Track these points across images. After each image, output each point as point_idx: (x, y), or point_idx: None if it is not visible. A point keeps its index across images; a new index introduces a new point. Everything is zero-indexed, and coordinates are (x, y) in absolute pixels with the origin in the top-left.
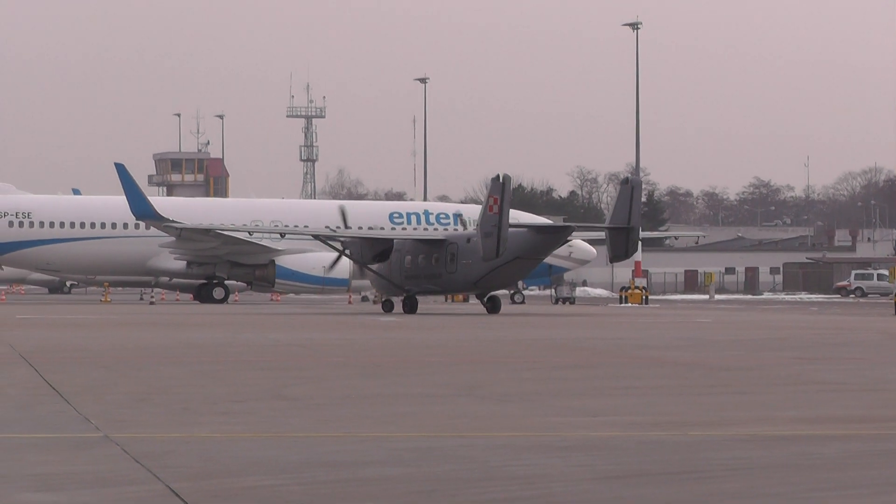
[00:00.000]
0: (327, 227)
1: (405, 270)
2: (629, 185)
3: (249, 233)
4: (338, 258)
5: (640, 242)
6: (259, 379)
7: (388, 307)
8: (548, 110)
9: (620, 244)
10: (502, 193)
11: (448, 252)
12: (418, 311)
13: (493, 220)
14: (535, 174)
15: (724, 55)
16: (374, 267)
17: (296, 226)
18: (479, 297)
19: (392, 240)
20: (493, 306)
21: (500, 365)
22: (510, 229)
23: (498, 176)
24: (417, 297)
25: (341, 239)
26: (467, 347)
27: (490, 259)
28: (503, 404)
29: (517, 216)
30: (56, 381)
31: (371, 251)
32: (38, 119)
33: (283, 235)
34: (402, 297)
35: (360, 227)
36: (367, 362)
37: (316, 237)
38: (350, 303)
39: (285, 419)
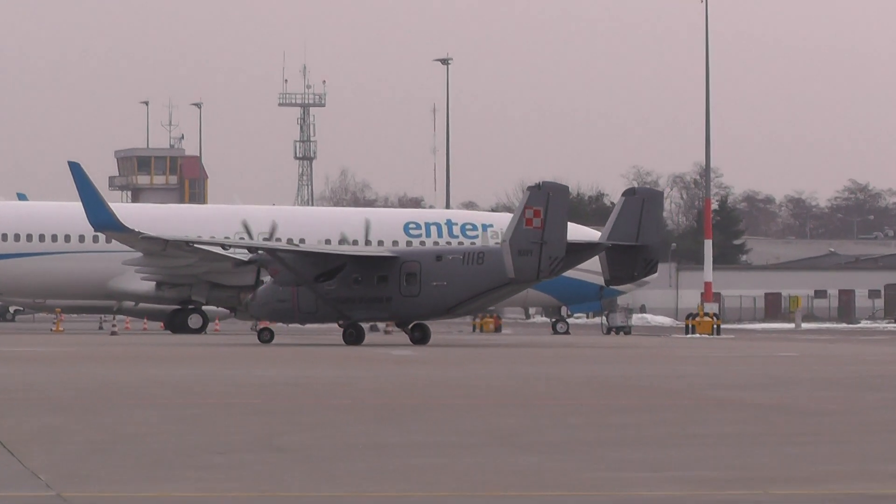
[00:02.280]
0: (327, 240)
1: (332, 293)
2: (637, 198)
3: (224, 247)
4: (256, 278)
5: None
6: (246, 425)
7: (266, 336)
8: (598, 100)
9: (624, 264)
10: (547, 204)
11: (403, 272)
12: (363, 343)
13: (534, 235)
14: (582, 176)
15: (810, 40)
16: (268, 289)
17: (291, 239)
18: (401, 325)
19: (346, 257)
20: (421, 336)
21: (541, 408)
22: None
23: (538, 185)
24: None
25: (280, 253)
26: (500, 386)
27: (528, 281)
28: (545, 456)
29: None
30: None
31: (313, 269)
32: None
33: (226, 248)
34: (345, 327)
35: (369, 241)
36: (377, 404)
37: (254, 250)
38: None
39: (279, 475)
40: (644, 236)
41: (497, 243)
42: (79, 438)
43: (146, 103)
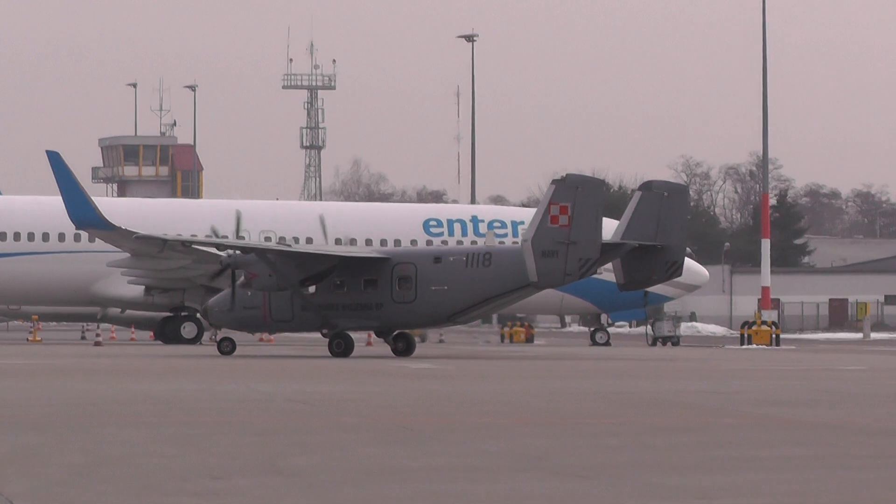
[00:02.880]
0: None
1: (312, 299)
2: (656, 193)
3: (219, 247)
4: (220, 272)
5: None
6: (246, 446)
7: (226, 347)
8: (641, 84)
9: (642, 267)
10: (574, 200)
11: (395, 275)
12: (352, 355)
13: (560, 234)
14: (624, 167)
15: (878, 22)
16: (232, 294)
17: (297, 239)
18: (381, 334)
19: (337, 257)
20: (405, 347)
21: (575, 427)
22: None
23: (563, 177)
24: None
25: (269, 254)
26: (529, 404)
27: (552, 286)
28: (579, 481)
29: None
30: None
31: (300, 271)
32: None
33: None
34: (330, 336)
35: (384, 241)
36: (392, 423)
37: (222, 247)
38: (370, 344)
39: (282, 501)
40: (664, 236)
41: (502, 243)
42: (59, 461)
43: (134, 86)
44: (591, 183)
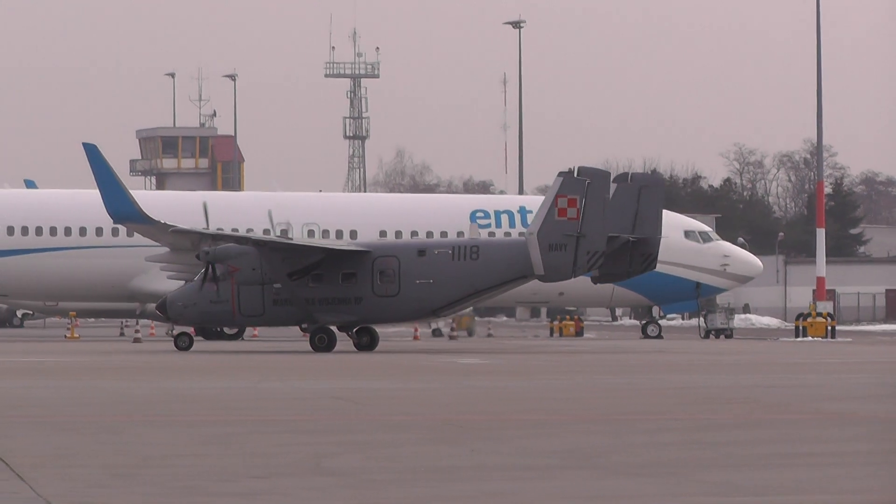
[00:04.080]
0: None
1: (282, 293)
2: (633, 185)
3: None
4: (214, 276)
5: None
6: (290, 445)
7: (184, 343)
8: (693, 71)
9: (618, 259)
10: (584, 193)
11: (375, 269)
12: (335, 350)
13: (568, 227)
14: (676, 156)
15: None
16: (195, 287)
17: (340, 232)
18: (345, 328)
19: (324, 250)
20: (369, 341)
21: (628, 424)
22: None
23: (571, 170)
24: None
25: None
26: (580, 399)
27: (559, 279)
28: (633, 479)
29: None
30: (5, 449)
31: (287, 264)
32: None
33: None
34: (312, 331)
35: (430, 233)
36: (439, 421)
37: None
38: (417, 338)
39: (328, 503)
40: (642, 228)
41: (493, 234)
42: (96, 461)
43: (172, 75)
44: (600, 176)
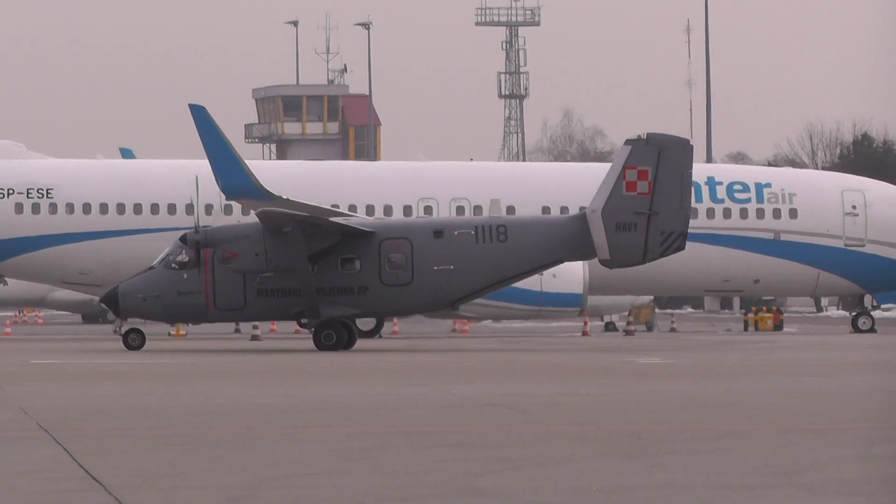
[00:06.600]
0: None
1: (267, 283)
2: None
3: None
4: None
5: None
6: (437, 461)
7: (135, 341)
8: None
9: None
10: (657, 163)
11: (383, 253)
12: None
13: (638, 204)
14: (890, 118)
15: None
16: (156, 277)
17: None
18: (303, 322)
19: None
20: (348, 338)
21: (835, 434)
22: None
23: (640, 137)
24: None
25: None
26: (777, 405)
27: (627, 265)
28: (844, 500)
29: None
30: (98, 466)
31: (308, 243)
32: (62, 37)
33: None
34: (314, 326)
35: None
36: (615, 432)
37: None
38: (586, 333)
39: None
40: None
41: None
42: (208, 482)
43: (294, 24)
44: (677, 144)
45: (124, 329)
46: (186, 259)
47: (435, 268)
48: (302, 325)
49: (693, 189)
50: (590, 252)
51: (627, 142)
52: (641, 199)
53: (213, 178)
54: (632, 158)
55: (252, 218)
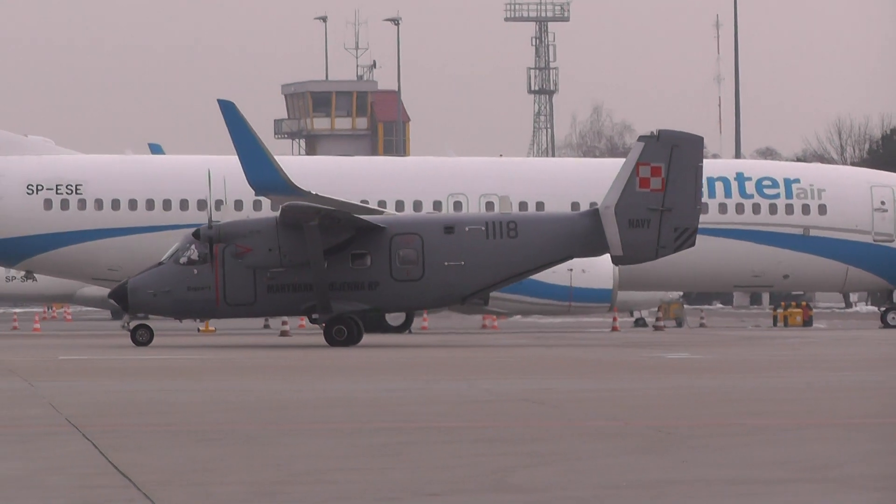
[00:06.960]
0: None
1: (278, 277)
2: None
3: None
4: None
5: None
6: (467, 456)
7: (143, 337)
8: None
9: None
10: (669, 160)
11: (393, 248)
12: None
13: (652, 200)
14: None
15: None
16: (166, 272)
17: (525, 204)
18: (314, 317)
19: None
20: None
21: (865, 429)
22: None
23: (653, 134)
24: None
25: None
26: (807, 400)
27: (640, 261)
28: (876, 494)
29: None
30: (126, 462)
31: (326, 236)
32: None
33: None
34: (325, 321)
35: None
36: (647, 427)
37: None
38: (616, 328)
39: None
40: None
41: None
42: (237, 478)
43: (323, 20)
44: (689, 140)
45: (132, 325)
46: (197, 254)
47: (445, 263)
48: (313, 321)
49: (723, 185)
50: (602, 248)
51: (640, 138)
52: (655, 195)
53: (243, 174)
54: (645, 155)
55: (265, 213)
